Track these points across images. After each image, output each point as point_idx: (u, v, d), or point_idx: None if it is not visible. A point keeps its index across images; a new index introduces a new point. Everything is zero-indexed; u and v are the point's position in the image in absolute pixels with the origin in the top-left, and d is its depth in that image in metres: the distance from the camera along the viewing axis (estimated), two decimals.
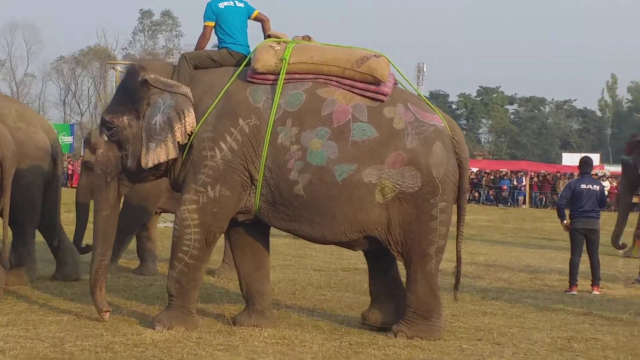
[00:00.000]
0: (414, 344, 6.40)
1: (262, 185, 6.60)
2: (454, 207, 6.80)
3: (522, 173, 37.35)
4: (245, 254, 7.02)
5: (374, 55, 6.68)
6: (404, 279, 6.96)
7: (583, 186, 9.82)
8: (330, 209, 6.52)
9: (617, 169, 42.36)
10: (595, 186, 9.92)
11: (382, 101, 6.63)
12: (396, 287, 7.07)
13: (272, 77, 6.67)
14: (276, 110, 6.57)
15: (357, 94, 6.63)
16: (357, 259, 12.08)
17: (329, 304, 8.19)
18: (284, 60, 6.61)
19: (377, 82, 6.60)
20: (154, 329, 6.54)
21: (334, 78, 6.65)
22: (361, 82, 6.62)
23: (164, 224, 14.16)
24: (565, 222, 9.95)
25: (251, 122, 6.59)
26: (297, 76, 6.66)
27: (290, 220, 6.67)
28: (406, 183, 6.48)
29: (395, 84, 6.93)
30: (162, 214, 10.86)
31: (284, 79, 6.62)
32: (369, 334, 6.72)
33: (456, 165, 6.72)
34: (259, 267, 7.05)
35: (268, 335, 6.53)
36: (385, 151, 6.50)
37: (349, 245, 6.87)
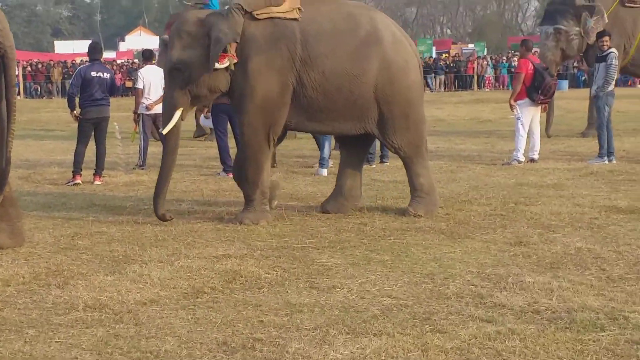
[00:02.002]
0: None
1: None
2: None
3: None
4: None
5: None
6: None
7: (93, 74, 9.52)
8: None
9: (110, 55, 42.79)
10: (105, 74, 9.69)
11: None
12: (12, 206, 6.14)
13: None
14: None
15: None
16: None
17: None
18: None
19: None
20: None
21: None
22: None
23: None
24: (75, 112, 9.55)
25: None
26: None
27: None
28: None
29: None
30: None
31: None
32: None
33: None
34: None
35: None
36: None
37: None
